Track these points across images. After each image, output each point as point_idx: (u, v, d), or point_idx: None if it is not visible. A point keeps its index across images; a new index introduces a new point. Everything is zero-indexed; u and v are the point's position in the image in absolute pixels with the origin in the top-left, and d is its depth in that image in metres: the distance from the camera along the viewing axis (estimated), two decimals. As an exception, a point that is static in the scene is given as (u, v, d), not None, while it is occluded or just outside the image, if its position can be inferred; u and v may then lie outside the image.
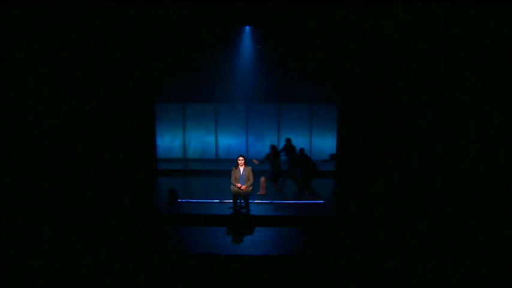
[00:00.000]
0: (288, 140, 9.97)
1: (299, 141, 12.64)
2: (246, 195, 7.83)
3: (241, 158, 7.97)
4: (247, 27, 11.49)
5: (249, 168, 7.98)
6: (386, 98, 9.99)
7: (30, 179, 8.49)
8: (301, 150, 9.29)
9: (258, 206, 8.28)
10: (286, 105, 12.44)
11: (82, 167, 9.44)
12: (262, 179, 9.07)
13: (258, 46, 11.54)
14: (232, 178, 7.89)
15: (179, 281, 5.60)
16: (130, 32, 10.08)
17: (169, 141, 12.61)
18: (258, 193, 8.96)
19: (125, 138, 10.39)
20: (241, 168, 7.92)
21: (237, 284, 5.56)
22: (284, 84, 11.79)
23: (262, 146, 12.70)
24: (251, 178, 7.90)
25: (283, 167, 9.50)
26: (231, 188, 7.89)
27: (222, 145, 11.89)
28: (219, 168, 11.01)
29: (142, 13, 9.81)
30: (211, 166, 11.49)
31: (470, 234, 6.90)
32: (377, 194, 9.09)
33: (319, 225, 7.56)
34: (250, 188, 7.89)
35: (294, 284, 5.56)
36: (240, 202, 8.03)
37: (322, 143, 12.56)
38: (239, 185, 7.79)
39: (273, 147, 9.34)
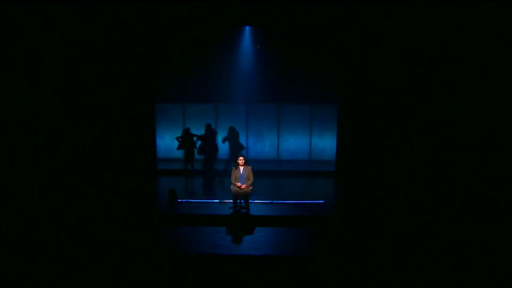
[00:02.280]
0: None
1: (299, 141, 12.66)
2: (246, 195, 7.83)
3: (241, 158, 7.97)
4: (247, 27, 11.47)
5: (249, 167, 7.98)
6: (387, 98, 9.98)
7: (29, 179, 8.48)
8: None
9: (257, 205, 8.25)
10: (286, 105, 12.43)
11: (82, 167, 9.44)
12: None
13: (258, 46, 11.53)
14: (232, 178, 7.89)
15: (179, 281, 5.60)
16: (131, 32, 10.08)
17: (169, 141, 12.59)
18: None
19: (125, 138, 10.39)
20: (241, 168, 7.92)
21: (237, 284, 5.56)
22: (284, 84, 11.78)
23: (262, 146, 12.70)
24: (251, 178, 7.90)
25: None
26: (231, 188, 7.89)
27: (222, 145, 11.85)
28: (219, 168, 11.02)
29: (142, 13, 9.80)
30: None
31: (472, 235, 6.89)
32: (377, 194, 9.08)
33: (319, 225, 7.56)
34: (251, 187, 7.89)
35: (294, 284, 5.56)
36: (240, 202, 8.03)
37: (322, 143, 12.55)
38: (239, 184, 7.79)
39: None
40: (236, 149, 10.84)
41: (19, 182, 8.28)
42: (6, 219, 7.24)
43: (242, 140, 11.67)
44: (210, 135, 10.70)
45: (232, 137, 10.98)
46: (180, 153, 11.56)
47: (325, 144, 12.48)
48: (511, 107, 8.24)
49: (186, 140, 10.69)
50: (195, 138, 10.71)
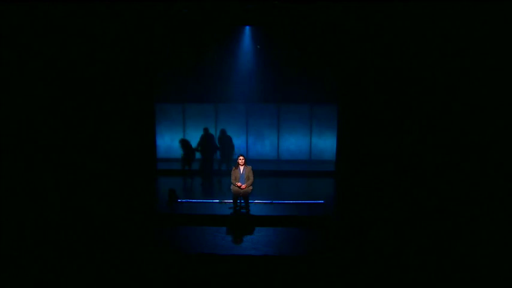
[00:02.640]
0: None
1: (299, 141, 12.66)
2: (246, 195, 7.83)
3: (241, 158, 7.97)
4: (247, 27, 11.47)
5: (249, 167, 7.98)
6: (387, 98, 9.98)
7: (29, 179, 8.48)
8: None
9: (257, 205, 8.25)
10: (286, 105, 12.43)
11: (82, 167, 9.43)
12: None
13: (258, 46, 11.53)
14: (232, 178, 7.89)
15: (179, 281, 5.59)
16: (130, 32, 10.07)
17: (169, 141, 12.59)
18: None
19: (125, 138, 10.38)
20: (241, 168, 7.92)
21: (237, 284, 5.56)
22: (284, 84, 11.78)
23: (262, 146, 12.69)
24: (251, 177, 7.90)
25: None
26: (231, 187, 7.89)
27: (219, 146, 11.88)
28: (216, 168, 11.04)
29: (142, 13, 9.80)
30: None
31: (470, 235, 6.89)
32: (377, 194, 9.08)
33: (319, 225, 7.55)
34: (250, 187, 7.89)
35: (294, 284, 5.56)
36: (240, 202, 8.03)
37: (322, 143, 12.55)
38: (239, 184, 7.78)
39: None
40: (226, 150, 10.89)
41: (18, 183, 8.28)
42: (5, 219, 7.24)
43: (238, 140, 11.63)
44: (208, 138, 10.70)
45: (223, 139, 10.98)
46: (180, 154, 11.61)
47: (325, 144, 12.48)
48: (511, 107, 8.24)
49: (185, 147, 10.71)
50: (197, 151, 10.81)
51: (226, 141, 11.05)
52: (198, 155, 10.90)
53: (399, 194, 8.96)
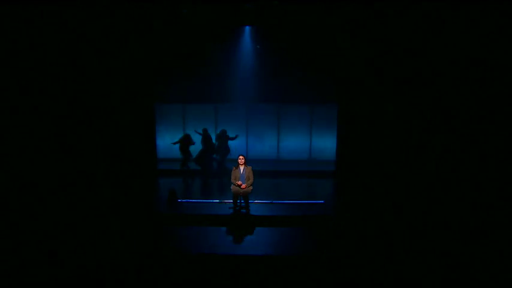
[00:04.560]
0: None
1: (299, 141, 12.66)
2: (246, 195, 7.83)
3: (241, 157, 7.97)
4: (247, 27, 11.47)
5: (249, 168, 7.98)
6: (386, 98, 9.99)
7: (29, 179, 8.49)
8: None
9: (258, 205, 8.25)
10: (286, 105, 12.41)
11: (82, 167, 9.44)
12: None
13: (258, 46, 11.53)
14: (232, 177, 7.89)
15: (179, 281, 5.60)
16: (131, 32, 10.08)
17: (169, 141, 12.58)
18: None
19: (125, 138, 10.39)
20: (242, 168, 7.92)
21: (237, 284, 5.56)
22: (284, 84, 11.77)
23: (262, 146, 12.68)
24: (251, 178, 7.90)
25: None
26: (231, 187, 7.89)
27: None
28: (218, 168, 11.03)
29: (142, 13, 9.81)
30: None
31: (470, 235, 6.89)
32: (377, 194, 9.08)
33: (319, 225, 7.56)
34: (251, 187, 7.89)
35: (294, 284, 5.56)
36: (240, 202, 8.03)
37: (322, 143, 12.53)
38: (239, 182, 7.78)
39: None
40: (223, 150, 10.91)
41: (19, 182, 8.29)
42: (6, 219, 7.25)
43: (237, 142, 11.59)
44: (207, 138, 10.74)
45: (221, 140, 11.00)
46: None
47: (325, 144, 12.46)
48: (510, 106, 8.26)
49: (183, 145, 10.75)
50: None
51: (221, 143, 11.07)
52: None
53: (399, 194, 8.96)
